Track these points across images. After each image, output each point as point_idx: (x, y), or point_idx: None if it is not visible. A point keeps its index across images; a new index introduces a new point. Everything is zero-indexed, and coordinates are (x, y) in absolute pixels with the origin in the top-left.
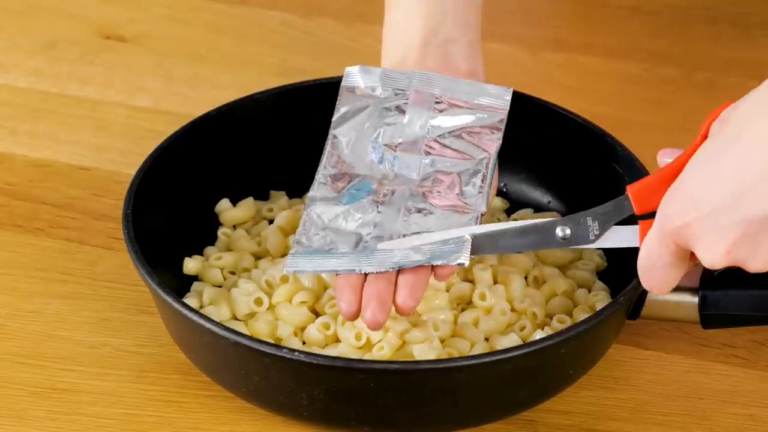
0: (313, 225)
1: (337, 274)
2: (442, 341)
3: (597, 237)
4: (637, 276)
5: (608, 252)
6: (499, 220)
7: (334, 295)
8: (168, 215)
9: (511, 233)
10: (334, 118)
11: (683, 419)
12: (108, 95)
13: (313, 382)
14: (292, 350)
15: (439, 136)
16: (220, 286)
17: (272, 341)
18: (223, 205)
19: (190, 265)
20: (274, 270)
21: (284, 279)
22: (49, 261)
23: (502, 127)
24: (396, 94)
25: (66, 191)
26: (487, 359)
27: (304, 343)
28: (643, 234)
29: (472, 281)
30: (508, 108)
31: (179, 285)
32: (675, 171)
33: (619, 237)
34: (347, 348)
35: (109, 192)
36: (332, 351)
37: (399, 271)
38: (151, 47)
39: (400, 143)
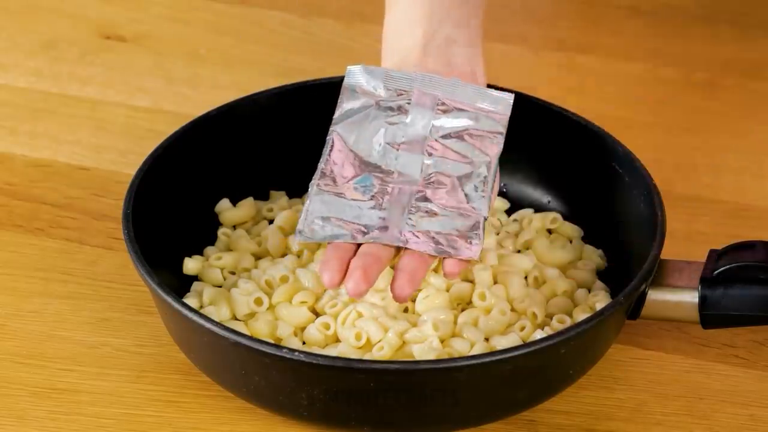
0: (315, 216)
1: (327, 244)
2: (442, 341)
3: None
4: (637, 276)
5: (608, 252)
6: (500, 221)
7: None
8: (168, 215)
9: None
10: (336, 115)
11: (683, 419)
12: (108, 95)
13: (313, 382)
14: (292, 350)
15: (441, 136)
16: (220, 286)
17: (272, 341)
18: (223, 205)
19: (190, 265)
20: (274, 270)
21: (284, 279)
22: (49, 261)
23: (504, 131)
24: (398, 95)
25: (66, 191)
26: (487, 359)
27: (304, 343)
28: None
29: (472, 281)
30: (509, 113)
31: (179, 285)
32: None
33: None
34: (347, 348)
35: (109, 192)
36: (332, 351)
37: (400, 255)
38: (151, 47)
39: (402, 142)
